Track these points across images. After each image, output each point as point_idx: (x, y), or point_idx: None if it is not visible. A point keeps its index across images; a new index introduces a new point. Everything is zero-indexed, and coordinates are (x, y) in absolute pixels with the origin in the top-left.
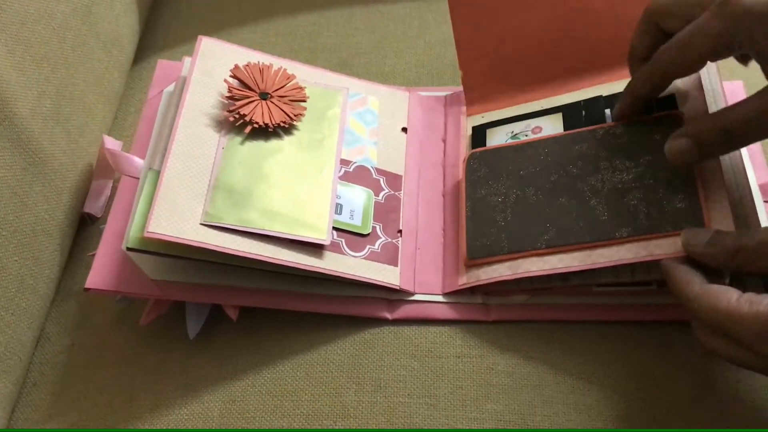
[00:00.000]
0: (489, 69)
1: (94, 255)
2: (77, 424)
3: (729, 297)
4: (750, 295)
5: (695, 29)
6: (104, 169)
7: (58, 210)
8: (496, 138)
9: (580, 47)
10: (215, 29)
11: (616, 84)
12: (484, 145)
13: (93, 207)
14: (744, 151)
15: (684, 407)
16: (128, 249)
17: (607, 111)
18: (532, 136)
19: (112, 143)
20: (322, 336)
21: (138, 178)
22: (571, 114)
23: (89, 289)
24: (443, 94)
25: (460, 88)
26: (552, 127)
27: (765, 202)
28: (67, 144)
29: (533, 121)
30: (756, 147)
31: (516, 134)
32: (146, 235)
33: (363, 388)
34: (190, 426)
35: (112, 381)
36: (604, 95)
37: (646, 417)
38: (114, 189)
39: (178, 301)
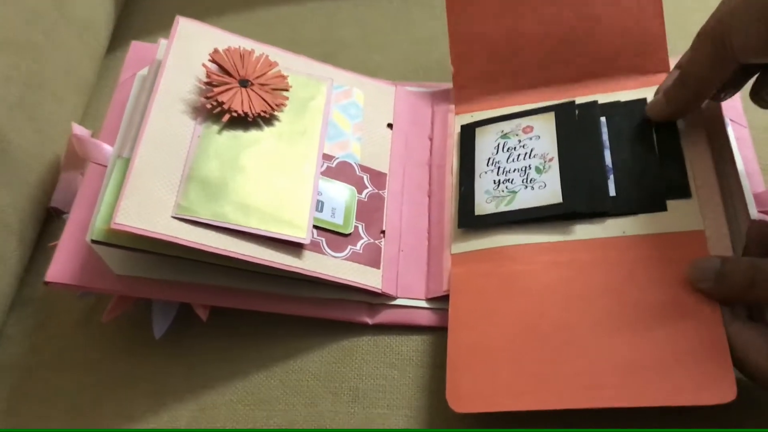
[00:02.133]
0: (482, 68)
1: (55, 246)
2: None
3: (759, 350)
4: None
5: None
6: (74, 160)
7: (22, 203)
8: (486, 138)
9: (579, 55)
10: (193, 17)
11: (612, 95)
12: (473, 145)
13: (60, 201)
14: (738, 158)
15: None
16: (93, 241)
17: (603, 119)
18: (522, 136)
19: (80, 131)
20: (297, 342)
21: (106, 166)
22: (563, 114)
23: (49, 282)
24: (431, 90)
25: (448, 85)
26: (543, 126)
27: (760, 212)
28: (33, 134)
29: (524, 120)
30: (751, 155)
31: (506, 133)
32: (113, 226)
33: (340, 398)
34: None
35: (75, 385)
36: (600, 102)
37: None
38: None
39: (144, 298)
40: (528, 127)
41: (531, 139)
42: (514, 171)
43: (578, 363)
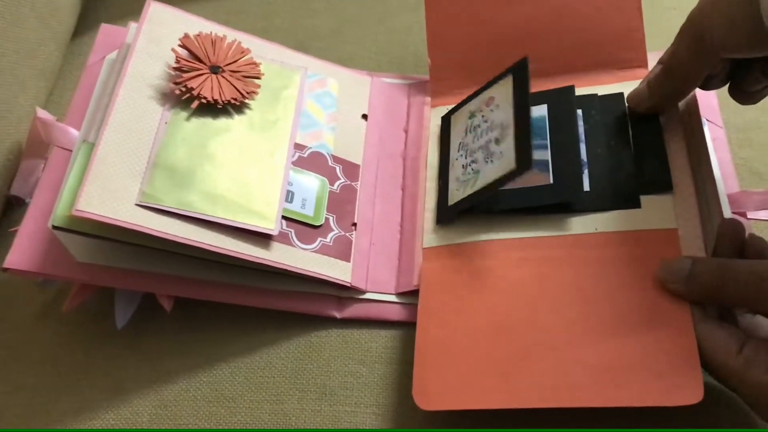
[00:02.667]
0: (459, 61)
1: (16, 231)
2: None
3: (727, 350)
4: (749, 353)
5: None
6: (36, 147)
7: None
8: (458, 124)
9: (557, 49)
10: (164, 3)
11: (589, 89)
12: (449, 135)
13: (21, 189)
14: (713, 159)
15: None
16: (54, 227)
17: (579, 112)
18: (485, 110)
19: (44, 115)
20: (264, 337)
21: (71, 151)
22: (520, 75)
23: (8, 269)
24: (407, 82)
25: (425, 77)
26: (502, 93)
27: (734, 213)
28: None
29: (487, 92)
30: (726, 155)
31: (473, 113)
32: (74, 213)
33: (307, 395)
34: None
35: (33, 380)
36: (577, 95)
37: None
38: None
39: (107, 287)
40: (490, 98)
41: (492, 110)
42: (478, 150)
43: (546, 362)
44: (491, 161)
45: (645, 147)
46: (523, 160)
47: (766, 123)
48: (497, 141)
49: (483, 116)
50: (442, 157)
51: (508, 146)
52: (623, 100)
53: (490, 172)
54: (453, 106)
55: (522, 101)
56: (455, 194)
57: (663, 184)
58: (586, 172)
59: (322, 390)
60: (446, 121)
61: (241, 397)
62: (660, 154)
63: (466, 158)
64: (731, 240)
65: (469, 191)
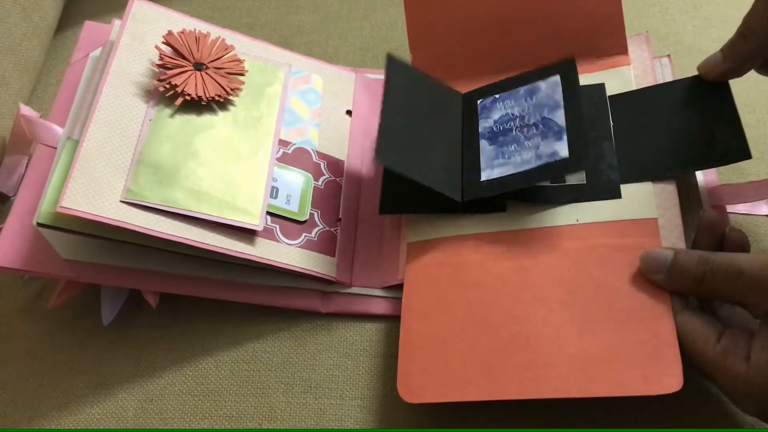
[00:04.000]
0: (440, 55)
1: (1, 229)
2: None
3: (706, 340)
4: (727, 342)
5: None
6: (19, 143)
7: None
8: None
9: (537, 39)
10: None
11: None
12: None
13: (4, 185)
14: None
15: None
16: (39, 224)
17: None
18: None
19: (28, 111)
20: (249, 331)
21: (55, 148)
22: (568, 72)
23: None
24: None
25: None
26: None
27: (712, 206)
28: None
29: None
30: None
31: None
32: (59, 210)
33: (292, 388)
34: (102, 426)
35: (17, 375)
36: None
37: None
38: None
39: (92, 284)
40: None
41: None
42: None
43: (527, 354)
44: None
45: (716, 114)
46: (577, 156)
47: (746, 119)
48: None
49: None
50: (463, 132)
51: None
52: (604, 90)
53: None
54: None
55: (573, 100)
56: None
57: (739, 153)
58: None
59: (308, 383)
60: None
61: (226, 390)
62: (735, 121)
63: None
64: (712, 232)
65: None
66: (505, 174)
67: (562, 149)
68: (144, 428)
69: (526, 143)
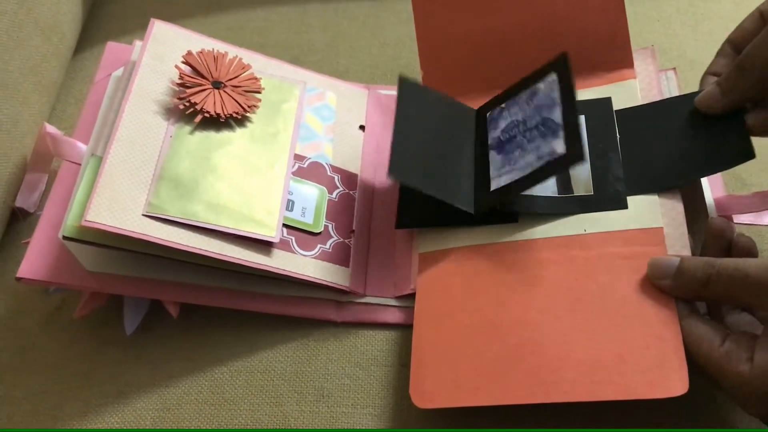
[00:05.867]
0: (451, 71)
1: (28, 243)
2: None
3: (711, 342)
4: (731, 345)
5: None
6: (40, 161)
7: None
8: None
9: (544, 54)
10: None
11: (579, 92)
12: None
13: (26, 202)
14: None
15: None
16: (65, 238)
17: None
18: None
19: (53, 130)
20: (263, 341)
21: (79, 164)
22: (563, 69)
23: (22, 278)
24: None
25: None
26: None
27: (720, 216)
28: None
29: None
30: None
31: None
32: (84, 223)
33: (305, 397)
34: None
35: (39, 386)
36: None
37: None
38: (50, 182)
39: (115, 295)
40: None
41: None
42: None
43: (537, 359)
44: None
45: (723, 125)
46: (574, 150)
47: None
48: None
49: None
50: (476, 148)
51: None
52: (611, 104)
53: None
54: None
55: (569, 95)
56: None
57: (743, 154)
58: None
59: (320, 392)
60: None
61: (241, 399)
62: (739, 124)
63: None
64: (719, 240)
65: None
66: (511, 180)
67: (559, 146)
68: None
69: (528, 146)
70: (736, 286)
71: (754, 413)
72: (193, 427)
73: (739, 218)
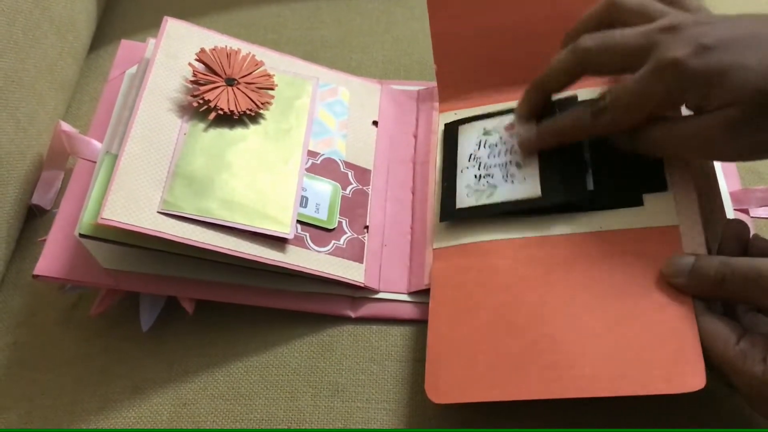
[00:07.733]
0: (465, 66)
1: (44, 241)
2: (15, 426)
3: (726, 340)
4: (746, 345)
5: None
6: (56, 158)
7: (3, 201)
8: (468, 135)
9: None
10: (175, 18)
11: (593, 90)
12: (456, 143)
13: (42, 199)
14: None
15: None
16: (81, 235)
17: None
18: (504, 133)
19: (68, 128)
20: (278, 336)
21: (95, 162)
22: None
23: (38, 276)
24: (416, 88)
25: (433, 83)
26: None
27: (736, 210)
28: (15, 132)
29: (506, 117)
30: None
31: (488, 131)
32: (100, 221)
33: (320, 392)
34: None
35: (56, 382)
36: (579, 98)
37: None
38: (66, 179)
39: (131, 292)
40: (510, 125)
41: (512, 137)
42: (495, 166)
43: (553, 355)
44: (511, 181)
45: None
46: (549, 190)
47: None
48: (518, 165)
49: (501, 138)
50: (448, 161)
51: (532, 174)
52: None
53: (510, 192)
54: (460, 110)
55: None
56: (465, 199)
57: (658, 183)
58: (590, 172)
59: (335, 387)
60: (452, 128)
61: (257, 394)
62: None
63: (479, 170)
64: (736, 240)
65: (484, 201)
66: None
67: None
68: (176, 428)
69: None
70: (751, 286)
71: (765, 414)
72: (209, 422)
73: (756, 212)
